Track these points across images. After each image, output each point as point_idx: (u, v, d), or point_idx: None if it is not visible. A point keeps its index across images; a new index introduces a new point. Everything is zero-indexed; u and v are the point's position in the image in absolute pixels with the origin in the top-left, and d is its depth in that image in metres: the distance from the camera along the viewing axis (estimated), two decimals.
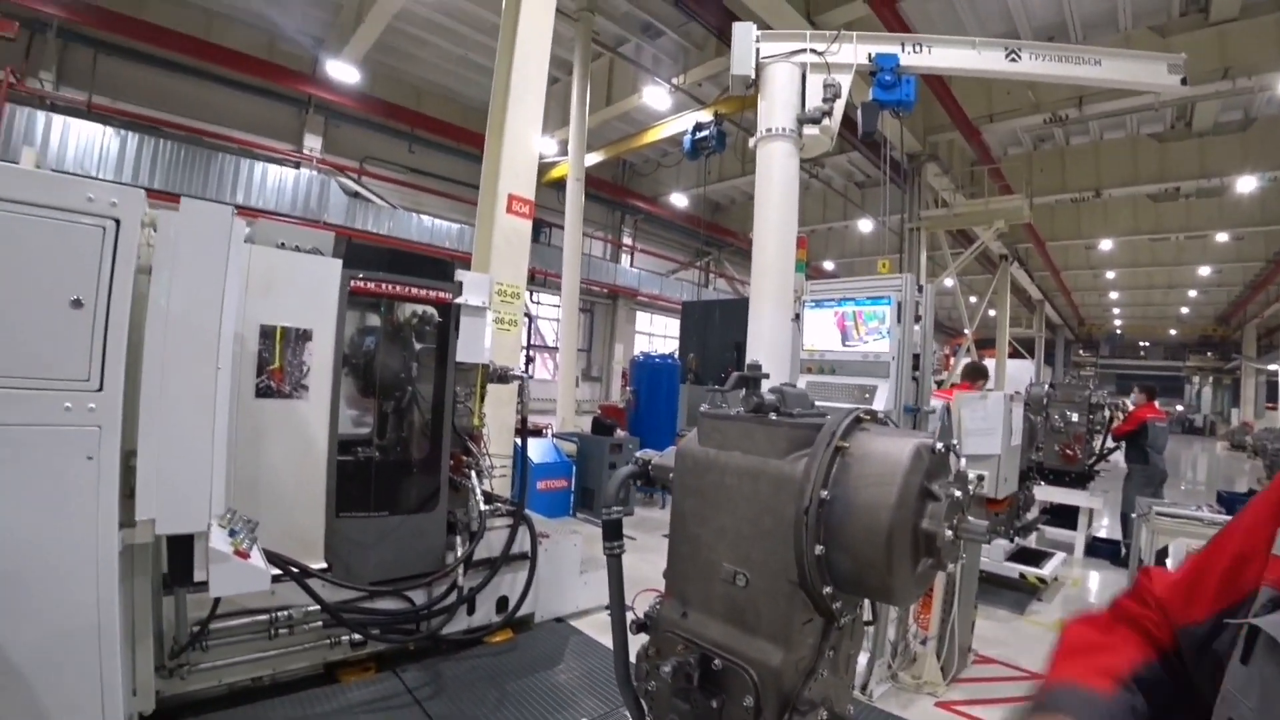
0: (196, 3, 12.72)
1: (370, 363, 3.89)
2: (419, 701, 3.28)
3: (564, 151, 13.36)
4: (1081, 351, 38.47)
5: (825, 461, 1.35)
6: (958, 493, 1.34)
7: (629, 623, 1.94)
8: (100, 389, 1.88)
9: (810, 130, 5.95)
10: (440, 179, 16.27)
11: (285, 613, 3.19)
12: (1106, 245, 19.80)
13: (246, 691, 3.18)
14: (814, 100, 6.02)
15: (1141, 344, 39.46)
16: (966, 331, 13.69)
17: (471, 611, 3.91)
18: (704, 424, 1.68)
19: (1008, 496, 3.33)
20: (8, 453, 1.78)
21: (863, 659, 3.75)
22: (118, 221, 1.90)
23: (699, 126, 10.00)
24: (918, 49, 6.35)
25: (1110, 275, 25.37)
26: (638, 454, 1.97)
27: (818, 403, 1.71)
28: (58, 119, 10.61)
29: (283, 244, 3.33)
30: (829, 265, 22.76)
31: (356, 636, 3.39)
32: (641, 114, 14.98)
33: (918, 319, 3.61)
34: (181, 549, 2.17)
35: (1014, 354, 19.46)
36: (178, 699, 2.93)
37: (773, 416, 1.58)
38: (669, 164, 19.38)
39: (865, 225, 18.46)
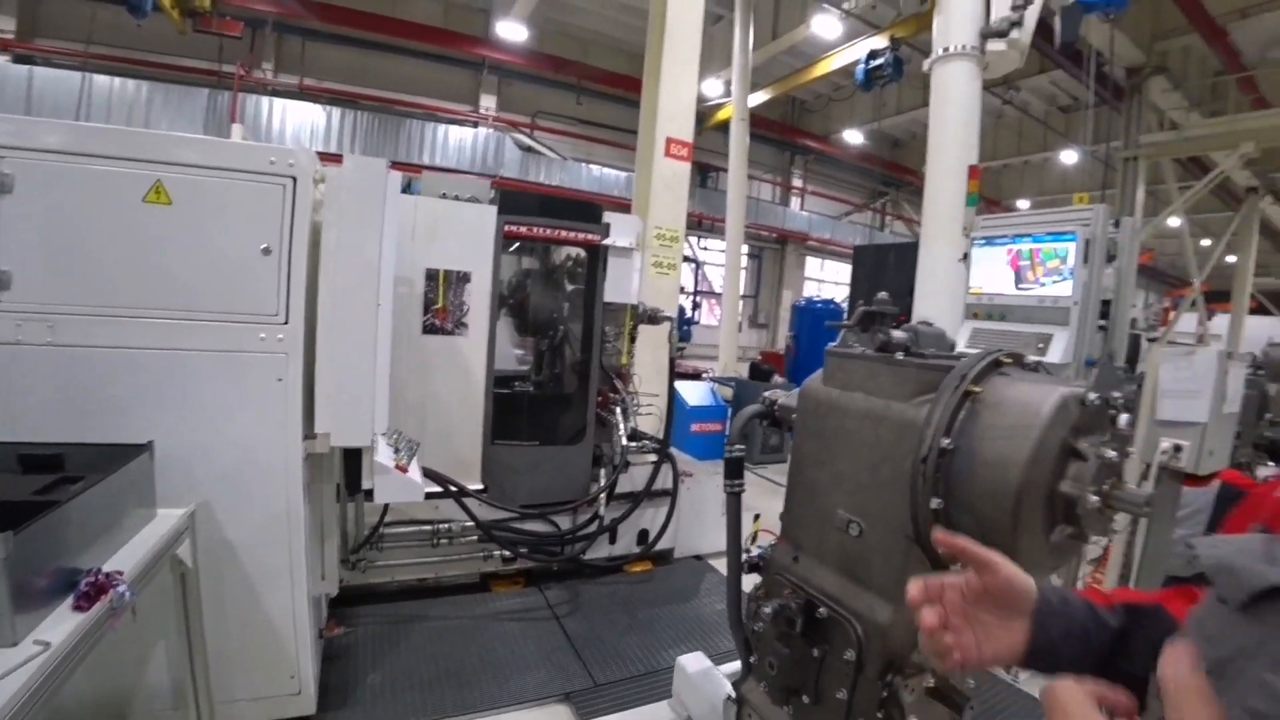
0: None
1: (524, 303, 4.14)
2: (557, 616, 3.57)
3: (729, 93, 12.95)
4: None
5: (951, 406, 1.22)
6: (1112, 454, 1.14)
7: (744, 562, 1.93)
8: (286, 322, 2.19)
9: (996, 45, 5.17)
10: (608, 128, 16.54)
11: (446, 525, 3.57)
12: None
13: (412, 590, 3.63)
14: (1001, 9, 5.21)
15: None
16: (1195, 281, 11.40)
17: (613, 541, 4.13)
18: (829, 363, 1.59)
19: (1211, 475, 2.78)
20: (224, 372, 2.15)
21: None
22: (294, 179, 2.17)
23: (873, 54, 9.22)
24: None
25: None
26: (765, 394, 1.92)
27: (968, 353, 1.56)
28: (278, 102, 12.32)
29: (444, 194, 3.61)
30: (1024, 204, 20.18)
31: (506, 553, 3.72)
32: (810, 46, 13.98)
33: (1111, 259, 3.05)
34: (353, 461, 2.50)
35: (1258, 309, 16.01)
36: (357, 589, 3.43)
37: (900, 356, 1.45)
38: (841, 98, 18.04)
39: (1069, 156, 16.03)
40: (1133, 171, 11.22)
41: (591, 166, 15.89)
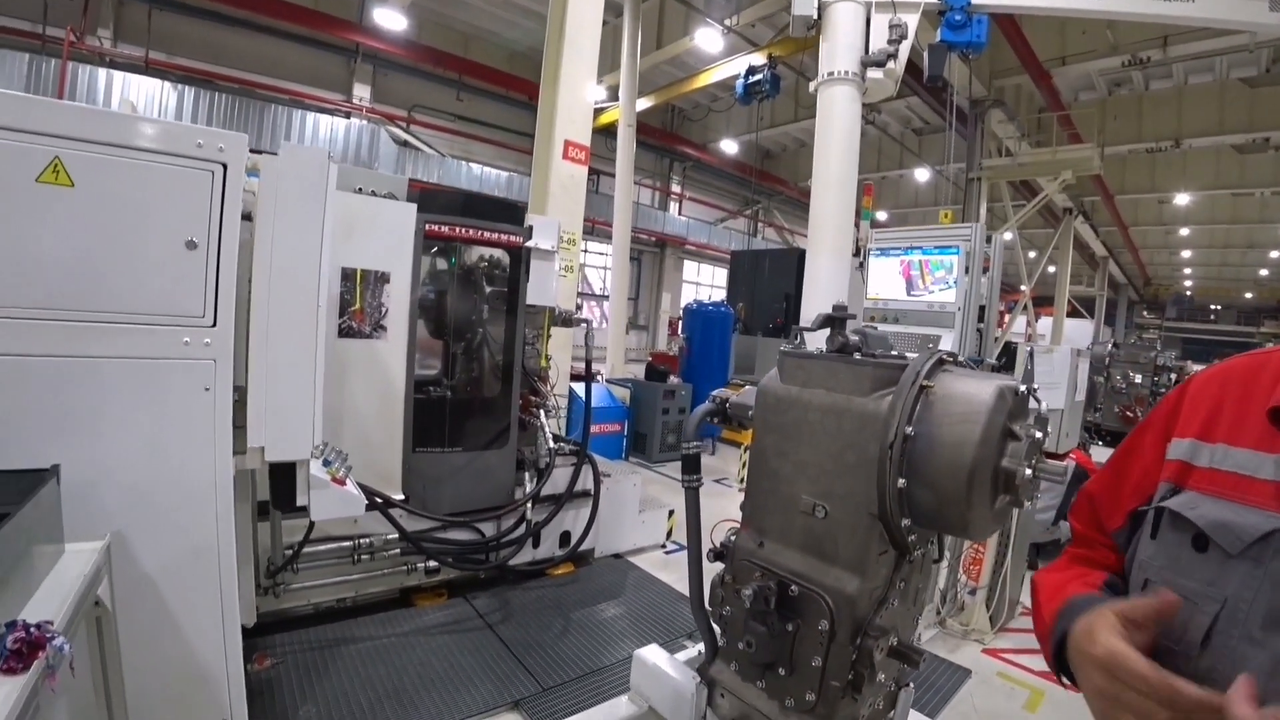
0: None
1: (444, 305, 4.04)
2: (490, 625, 3.53)
3: (613, 97, 13.14)
4: (1145, 313, 36.72)
5: (911, 398, 1.40)
6: (1038, 434, 1.38)
7: (707, 552, 2.04)
8: (214, 325, 2.02)
9: (874, 74, 5.74)
10: (489, 126, 16.22)
11: (367, 540, 3.42)
12: (1183, 200, 18.60)
13: (332, 611, 3.46)
14: (878, 42, 5.78)
15: (1212, 307, 37.36)
16: (1024, 288, 13.15)
17: (537, 545, 4.12)
18: (786, 363, 1.73)
19: (1068, 452, 3.32)
20: (141, 382, 1.94)
21: None
22: (225, 166, 2.00)
23: (752, 70, 9.70)
24: None
25: (1184, 232, 23.95)
26: (714, 393, 2.04)
27: (909, 355, 1.75)
28: (117, 75, 10.85)
29: (360, 189, 3.45)
30: (882, 215, 22.05)
31: (431, 564, 3.62)
32: (692, 57, 14.54)
33: (985, 270, 3.55)
34: (284, 476, 2.35)
35: (1073, 313, 18.66)
36: (273, 615, 3.22)
37: (856, 356, 1.63)
38: (719, 109, 18.84)
39: (922, 174, 17.77)
40: (977, 190, 12.66)
41: (471, 165, 15.44)
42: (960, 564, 3.86)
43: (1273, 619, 0.70)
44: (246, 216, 2.14)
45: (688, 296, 20.85)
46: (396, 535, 3.42)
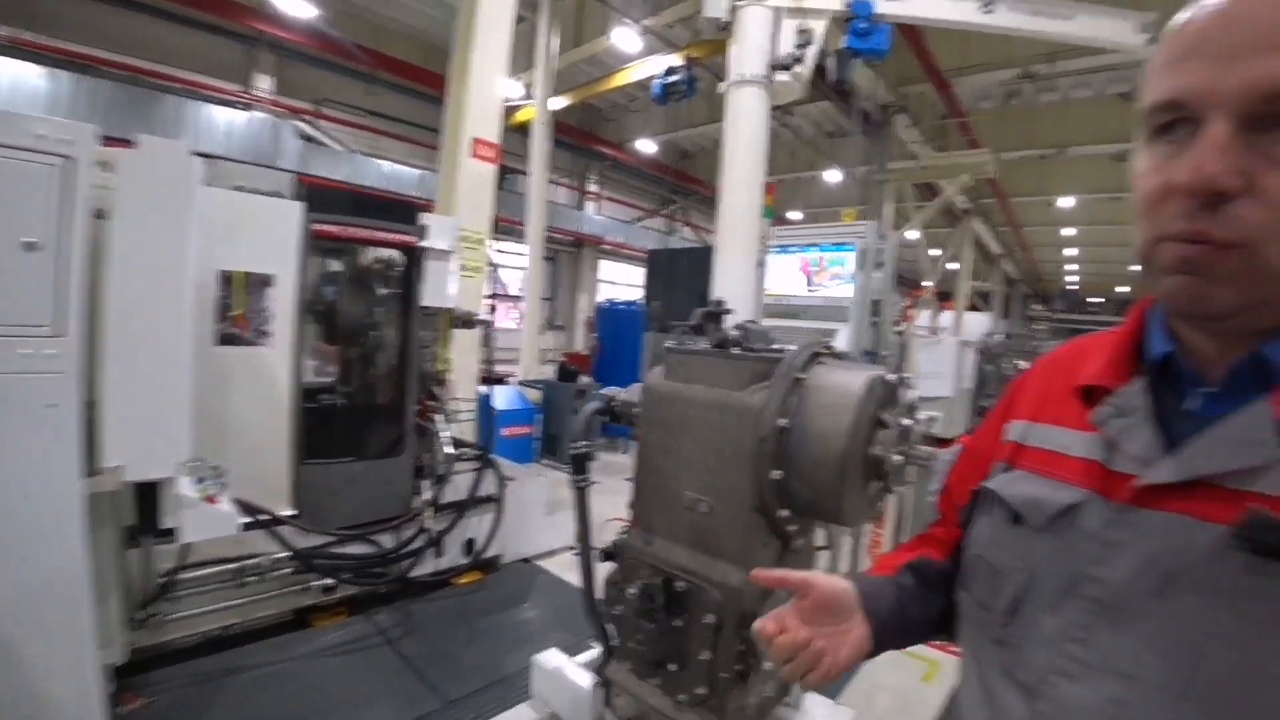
0: None
1: (333, 308, 3.85)
2: (391, 642, 3.38)
3: (529, 95, 12.95)
4: (1037, 306, 39.52)
5: (783, 392, 1.42)
6: (906, 421, 1.42)
7: (596, 552, 2.02)
8: (61, 335, 1.83)
9: (782, 77, 5.88)
10: (401, 122, 15.61)
11: (254, 560, 3.21)
12: (1067, 203, 20.13)
13: (217, 640, 3.21)
14: (787, 46, 5.93)
15: (1093, 300, 40.63)
16: (928, 284, 13.93)
17: (440, 554, 3.99)
18: (669, 359, 1.73)
19: (957, 437, 3.54)
20: None
21: None
22: (70, 159, 1.83)
23: (670, 71, 9.78)
24: None
25: (1068, 232, 25.91)
26: (602, 391, 2.02)
27: (788, 348, 1.78)
28: None
29: (241, 187, 3.24)
30: (796, 215, 22.75)
31: (327, 581, 3.44)
32: (610, 56, 14.52)
33: (879, 266, 3.70)
34: (149, 497, 2.17)
35: (973, 307, 19.89)
36: (151, 650, 2.96)
37: (736, 351, 1.63)
38: (636, 109, 18.94)
39: (833, 176, 18.40)
40: (883, 192, 13.25)
41: (382, 162, 14.78)
42: (864, 546, 4.00)
43: (1065, 588, 0.73)
44: (102, 215, 1.96)
45: (605, 296, 20.81)
46: (287, 554, 3.22)
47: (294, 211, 3.31)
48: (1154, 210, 0.66)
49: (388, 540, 3.72)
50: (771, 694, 1.74)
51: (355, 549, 3.56)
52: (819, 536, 1.74)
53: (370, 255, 4.05)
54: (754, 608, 1.51)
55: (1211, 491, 0.64)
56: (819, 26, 6.07)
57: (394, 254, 3.89)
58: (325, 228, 3.43)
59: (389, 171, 14.72)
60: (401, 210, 3.95)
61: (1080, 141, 14.86)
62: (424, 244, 3.79)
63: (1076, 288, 38.46)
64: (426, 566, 3.93)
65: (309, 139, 13.76)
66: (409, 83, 15.03)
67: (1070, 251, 29.99)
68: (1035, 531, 0.79)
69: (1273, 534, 0.58)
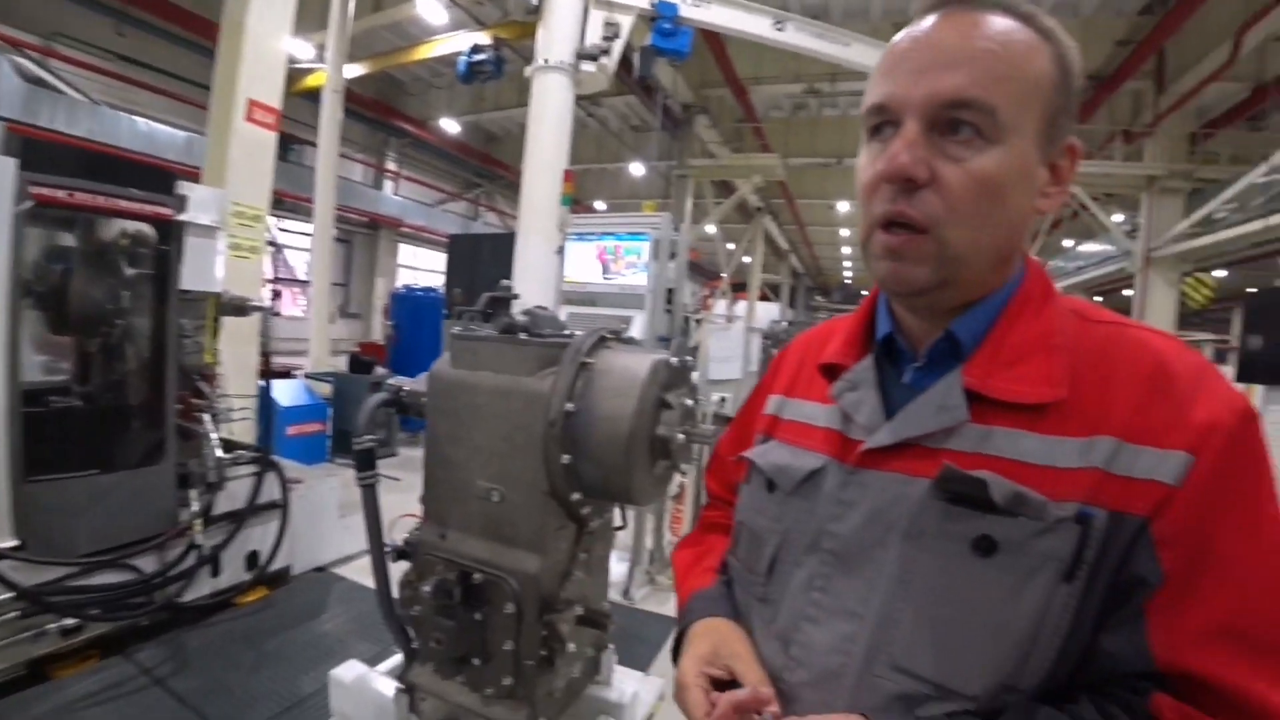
0: None
1: (69, 291, 3.17)
2: (160, 681, 2.90)
3: (320, 58, 11.71)
4: (818, 297, 44.55)
5: (570, 376, 1.44)
6: (689, 402, 1.51)
7: (389, 552, 1.91)
8: None
9: (588, 67, 5.93)
10: (162, 73, 13.16)
11: None
12: (844, 207, 22.85)
13: None
14: (594, 37, 6.00)
15: (863, 292, 46.62)
16: (724, 275, 15.11)
17: (216, 573, 3.52)
18: (455, 346, 1.68)
19: None
20: None
21: (624, 568, 4.12)
22: None
23: (476, 49, 9.43)
24: (698, 3, 6.61)
25: (845, 233, 29.42)
26: (389, 381, 1.91)
27: (577, 333, 1.80)
28: None
29: None
30: (601, 205, 23.22)
31: (69, 622, 2.86)
32: (414, 27, 13.63)
33: (673, 256, 3.92)
34: None
35: (764, 297, 21.94)
36: None
37: (523, 336, 1.62)
38: (441, 85, 18.01)
39: (637, 169, 19.00)
40: (683, 186, 14.04)
41: (136, 119, 12.37)
42: (665, 523, 4.24)
43: (809, 544, 0.83)
44: None
45: (405, 281, 19.67)
46: (9, 595, 2.62)
47: (3, 170, 2.66)
48: (869, 199, 0.79)
49: (150, 563, 3.19)
50: (578, 675, 1.77)
51: (106, 578, 3.00)
52: (616, 516, 1.78)
53: (115, 229, 3.40)
54: (553, 592, 1.52)
55: (918, 451, 0.76)
56: (626, 21, 6.22)
57: (145, 228, 3.31)
58: (47, 191, 2.81)
59: (145, 130, 12.36)
60: (161, 177, 3.38)
61: (856, 154, 16.79)
62: (183, 217, 3.27)
63: (851, 281, 43.84)
64: (201, 588, 3.45)
65: (36, 81, 11.13)
66: (173, 26, 12.64)
67: (847, 250, 33.99)
68: (786, 496, 0.88)
69: (960, 484, 0.70)
